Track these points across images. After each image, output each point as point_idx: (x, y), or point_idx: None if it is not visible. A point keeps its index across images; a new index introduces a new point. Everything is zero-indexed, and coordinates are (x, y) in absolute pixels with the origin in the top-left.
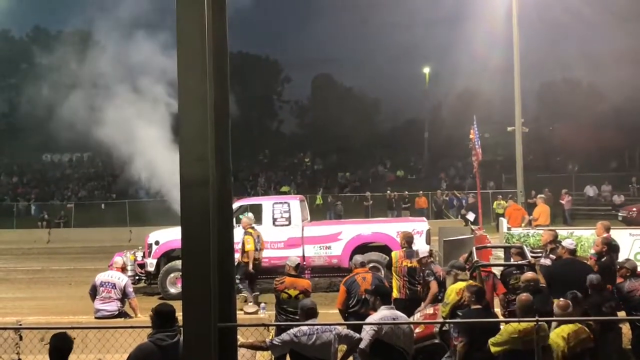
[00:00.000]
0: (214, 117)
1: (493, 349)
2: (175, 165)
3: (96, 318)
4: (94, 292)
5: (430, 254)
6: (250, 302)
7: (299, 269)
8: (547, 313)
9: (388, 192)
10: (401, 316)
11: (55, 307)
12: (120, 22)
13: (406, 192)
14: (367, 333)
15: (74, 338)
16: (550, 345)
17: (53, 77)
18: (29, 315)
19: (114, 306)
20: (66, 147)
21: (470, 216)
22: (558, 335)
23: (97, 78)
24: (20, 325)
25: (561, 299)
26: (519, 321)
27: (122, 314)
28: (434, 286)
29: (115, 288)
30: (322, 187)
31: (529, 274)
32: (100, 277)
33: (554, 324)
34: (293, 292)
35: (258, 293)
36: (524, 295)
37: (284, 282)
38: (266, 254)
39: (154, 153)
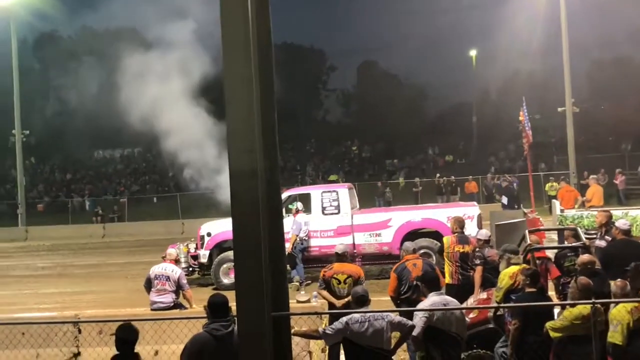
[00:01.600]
0: (261, 109)
1: (552, 334)
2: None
3: (152, 310)
4: (148, 285)
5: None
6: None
7: (343, 255)
8: (604, 295)
9: (437, 177)
10: (452, 301)
11: (112, 300)
12: (166, 17)
13: (453, 177)
14: (419, 320)
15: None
16: (611, 321)
17: (102, 75)
18: (87, 309)
19: (169, 298)
20: (117, 142)
21: (504, 200)
22: (623, 308)
23: (145, 75)
24: (79, 319)
25: (619, 279)
26: (573, 304)
27: (177, 306)
28: (478, 271)
29: (170, 280)
30: (370, 174)
31: (585, 257)
32: (154, 270)
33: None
34: (342, 277)
35: (309, 282)
36: (584, 279)
37: (333, 267)
38: (316, 242)
39: (203, 147)
